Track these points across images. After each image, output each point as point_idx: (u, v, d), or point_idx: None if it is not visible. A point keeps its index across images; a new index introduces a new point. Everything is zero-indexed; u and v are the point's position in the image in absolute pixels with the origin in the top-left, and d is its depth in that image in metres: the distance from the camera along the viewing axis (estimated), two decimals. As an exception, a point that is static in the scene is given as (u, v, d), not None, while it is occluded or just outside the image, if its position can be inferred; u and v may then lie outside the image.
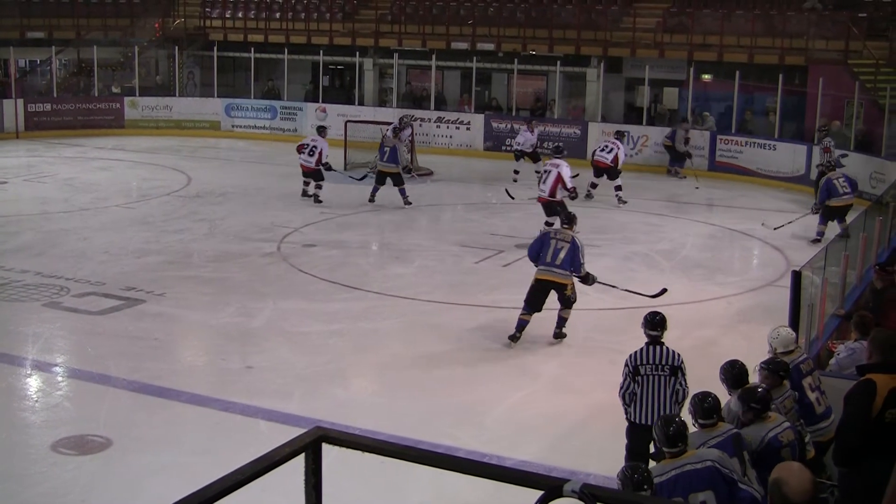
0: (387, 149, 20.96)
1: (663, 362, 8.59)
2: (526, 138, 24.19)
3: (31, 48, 32.23)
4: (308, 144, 21.31)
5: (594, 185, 22.00)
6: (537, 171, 21.28)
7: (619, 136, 22.70)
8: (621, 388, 8.71)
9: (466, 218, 20.30)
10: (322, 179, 21.18)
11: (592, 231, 18.99)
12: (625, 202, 21.59)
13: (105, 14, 33.00)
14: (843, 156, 21.43)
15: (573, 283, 12.58)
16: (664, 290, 13.35)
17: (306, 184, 21.44)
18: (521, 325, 12.61)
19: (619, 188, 21.72)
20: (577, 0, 29.95)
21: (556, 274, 12.40)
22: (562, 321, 12.77)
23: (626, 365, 8.69)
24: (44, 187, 22.72)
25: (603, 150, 22.07)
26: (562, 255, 12.33)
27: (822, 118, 24.42)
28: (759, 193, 23.47)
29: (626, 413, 8.71)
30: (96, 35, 31.99)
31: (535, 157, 24.12)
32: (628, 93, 29.62)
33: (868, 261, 12.78)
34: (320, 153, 20.97)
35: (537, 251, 12.58)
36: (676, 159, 25.70)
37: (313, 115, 30.00)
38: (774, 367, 7.84)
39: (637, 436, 8.52)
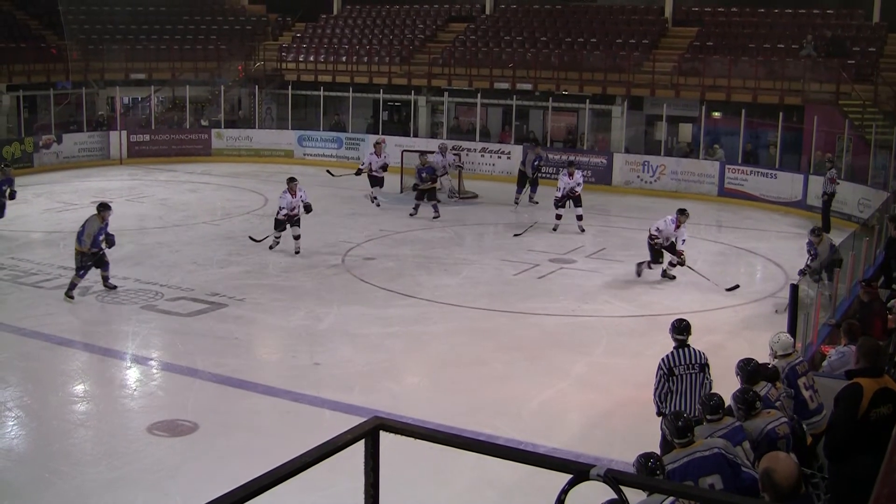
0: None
1: (693, 361, 8.50)
2: (372, 160, 23.24)
3: (134, 87, 32.73)
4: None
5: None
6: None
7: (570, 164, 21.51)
8: (656, 389, 8.54)
9: (506, 236, 20.21)
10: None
11: (618, 248, 18.93)
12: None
13: (196, 58, 33.38)
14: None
15: None
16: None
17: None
18: None
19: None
20: (604, 47, 29.92)
21: None
22: None
23: (661, 368, 8.51)
24: (142, 206, 22.93)
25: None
26: None
27: (818, 151, 24.23)
28: (762, 216, 23.21)
29: (660, 409, 8.46)
30: (188, 76, 32.39)
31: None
32: (648, 128, 29.44)
33: (856, 277, 12.65)
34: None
35: None
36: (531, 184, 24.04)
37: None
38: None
39: None
